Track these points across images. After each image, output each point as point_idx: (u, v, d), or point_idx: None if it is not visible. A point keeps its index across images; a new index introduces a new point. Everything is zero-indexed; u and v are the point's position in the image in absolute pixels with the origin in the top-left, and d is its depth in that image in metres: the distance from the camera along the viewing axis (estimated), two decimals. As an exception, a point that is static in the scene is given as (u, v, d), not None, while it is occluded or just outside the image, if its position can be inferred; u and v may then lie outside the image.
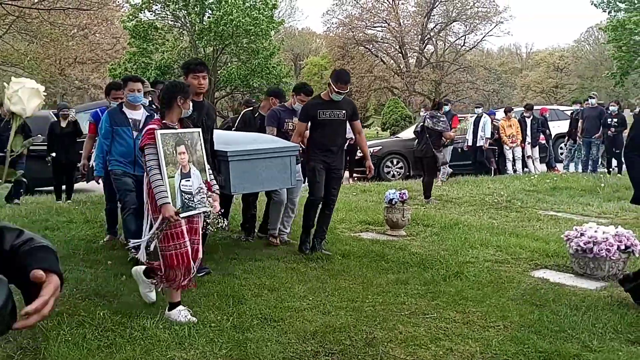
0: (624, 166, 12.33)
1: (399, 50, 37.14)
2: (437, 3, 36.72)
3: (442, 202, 8.67)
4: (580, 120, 12.62)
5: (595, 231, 4.80)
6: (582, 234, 4.83)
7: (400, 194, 6.36)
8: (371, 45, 37.17)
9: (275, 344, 3.36)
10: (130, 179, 5.17)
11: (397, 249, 5.58)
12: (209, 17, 28.55)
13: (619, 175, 11.49)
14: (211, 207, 3.82)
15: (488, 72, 41.28)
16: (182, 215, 3.68)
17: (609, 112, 12.20)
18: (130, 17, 28.24)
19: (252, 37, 28.54)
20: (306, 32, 56.44)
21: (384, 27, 37.42)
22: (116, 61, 30.18)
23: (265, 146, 5.17)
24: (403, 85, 36.26)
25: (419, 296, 4.21)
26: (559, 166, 13.76)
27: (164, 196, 3.61)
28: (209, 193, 3.89)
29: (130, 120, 5.29)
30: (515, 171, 12.65)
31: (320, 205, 5.50)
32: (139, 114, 5.37)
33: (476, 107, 13.72)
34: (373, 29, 37.76)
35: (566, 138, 13.84)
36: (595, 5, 29.17)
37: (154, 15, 30.04)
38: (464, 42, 38.46)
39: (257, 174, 5.04)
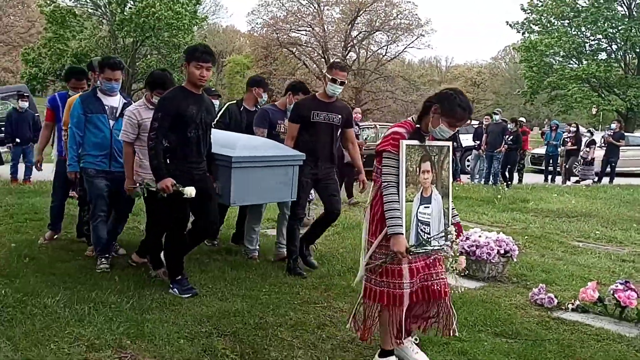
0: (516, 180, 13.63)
1: (322, 55, 37.71)
2: (362, 12, 37.58)
3: (354, 205, 9.01)
4: (485, 135, 13.53)
5: (479, 236, 5.26)
6: (467, 238, 5.27)
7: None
8: (295, 49, 37.53)
9: (172, 325, 3.57)
10: (104, 181, 4.65)
11: (299, 245, 5.82)
12: (130, 8, 27.82)
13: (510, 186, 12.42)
14: (451, 248, 3.15)
15: (408, 82, 42.71)
16: (415, 252, 3.03)
17: (508, 129, 13.22)
18: (48, 1, 27.01)
19: (173, 31, 28.14)
20: (230, 29, 56.03)
21: (308, 31, 37.87)
22: (30, 45, 28.73)
23: (271, 153, 4.59)
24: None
25: (312, 288, 4.50)
26: (463, 177, 14.56)
27: (397, 224, 2.92)
28: (451, 228, 3.18)
29: (106, 108, 4.74)
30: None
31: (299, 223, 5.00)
32: (116, 101, 4.82)
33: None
34: (297, 32, 38.12)
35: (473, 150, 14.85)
36: (510, 26, 31.12)
37: (73, 2, 28.86)
38: (386, 52, 39.64)
39: (260, 184, 4.52)
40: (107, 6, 28.35)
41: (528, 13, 30.59)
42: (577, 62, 29.53)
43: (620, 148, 15.34)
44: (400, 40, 38.51)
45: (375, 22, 38.01)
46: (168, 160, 4.00)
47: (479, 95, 53.31)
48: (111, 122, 4.71)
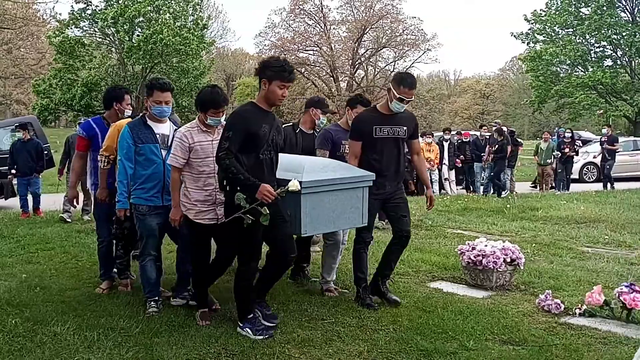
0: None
1: (331, 74, 38.03)
2: (368, 29, 37.88)
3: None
4: (488, 146, 13.55)
5: (485, 245, 5.28)
6: (473, 248, 5.30)
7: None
8: (303, 69, 37.85)
9: (181, 347, 3.63)
10: (156, 220, 4.27)
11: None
12: (138, 36, 28.34)
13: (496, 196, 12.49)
14: None
15: (417, 97, 42.82)
16: None
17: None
18: (57, 32, 27.62)
19: (182, 57, 28.57)
20: (239, 52, 56.69)
21: (316, 51, 38.18)
22: (41, 77, 29.30)
23: (341, 175, 4.18)
24: (334, 108, 37.09)
25: (320, 304, 4.54)
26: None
27: None
28: None
29: (157, 136, 4.32)
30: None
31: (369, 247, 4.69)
32: (167, 128, 4.40)
33: None
34: (305, 52, 38.45)
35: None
36: (515, 36, 31.24)
37: (82, 32, 29.47)
38: (394, 68, 39.85)
39: (331, 209, 4.11)
40: (115, 35, 28.90)
41: (532, 23, 30.73)
42: (583, 70, 29.53)
43: (630, 152, 15.25)
44: (408, 56, 38.80)
45: (381, 39, 38.27)
46: (232, 185, 3.65)
47: (488, 106, 53.30)
48: (163, 152, 4.29)
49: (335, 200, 4.13)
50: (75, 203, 5.36)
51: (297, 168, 3.99)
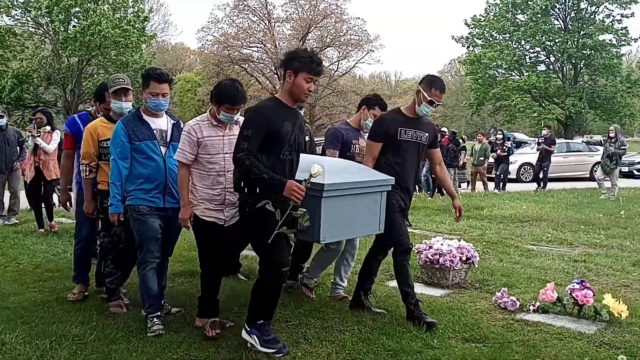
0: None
1: (275, 71, 37.82)
2: (312, 28, 37.91)
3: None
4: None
5: (442, 244, 5.38)
6: (430, 247, 5.39)
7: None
8: (247, 65, 37.48)
9: (141, 354, 3.46)
10: (158, 221, 3.89)
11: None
12: (74, 26, 27.21)
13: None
14: None
15: (360, 97, 43.08)
16: None
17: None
18: (-15, 20, 26.11)
19: (121, 49, 27.65)
20: (180, 47, 55.53)
21: (260, 47, 37.85)
22: (-33, 67, 27.57)
23: (361, 178, 3.92)
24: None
25: (283, 306, 4.44)
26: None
27: None
28: None
29: (155, 132, 3.97)
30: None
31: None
32: (164, 122, 4.03)
33: None
34: (249, 48, 38.05)
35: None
36: (455, 40, 32.13)
37: (13, 21, 27.99)
38: (337, 68, 40.09)
39: (351, 215, 3.85)
40: (50, 24, 27.63)
41: (471, 28, 31.66)
42: (518, 74, 30.73)
43: (563, 154, 15.96)
44: (351, 56, 39.06)
45: (326, 39, 38.38)
46: (253, 188, 3.32)
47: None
48: (162, 149, 3.94)
49: (355, 205, 3.83)
50: (68, 204, 4.87)
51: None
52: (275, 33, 37.91)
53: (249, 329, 3.47)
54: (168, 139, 3.99)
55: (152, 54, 34.60)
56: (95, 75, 29.19)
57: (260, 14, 37.92)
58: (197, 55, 46.58)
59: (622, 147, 12.64)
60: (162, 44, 50.04)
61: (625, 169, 20.21)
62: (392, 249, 4.29)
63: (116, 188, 3.88)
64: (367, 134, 4.42)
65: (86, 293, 4.60)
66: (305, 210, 3.27)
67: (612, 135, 12.87)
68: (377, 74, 63.16)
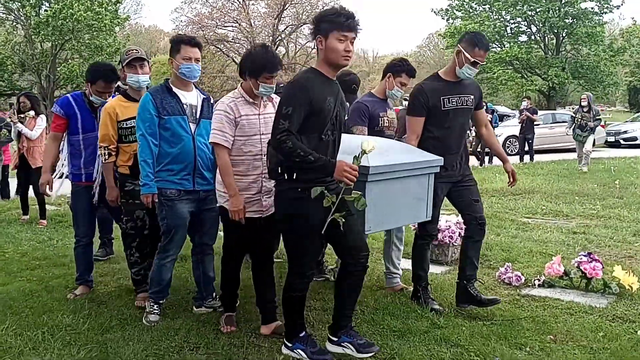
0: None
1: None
2: (287, 5, 37.35)
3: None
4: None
5: (439, 220, 5.24)
6: (428, 223, 5.24)
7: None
8: (222, 45, 36.88)
9: (137, 343, 3.29)
10: (188, 206, 3.57)
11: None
12: (46, 11, 26.42)
13: None
14: None
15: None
16: None
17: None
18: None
19: (94, 33, 26.97)
20: (153, 29, 54.46)
21: (235, 27, 37.30)
22: None
23: (407, 159, 3.46)
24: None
25: (280, 289, 4.26)
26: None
27: None
28: None
29: (185, 107, 3.58)
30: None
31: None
32: (194, 97, 3.63)
33: None
34: (224, 28, 37.47)
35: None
36: (435, 12, 31.81)
37: (-19, 7, 27.06)
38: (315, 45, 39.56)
39: (397, 201, 3.42)
40: (21, 9, 26.80)
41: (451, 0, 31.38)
42: (499, 46, 30.57)
43: (549, 125, 15.86)
44: (328, 33, 38.53)
45: (301, 15, 37.87)
46: (292, 173, 2.91)
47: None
48: (192, 127, 3.57)
49: (401, 189, 3.38)
50: (48, 190, 4.33)
51: (356, 150, 3.04)
52: (250, 11, 37.37)
53: (336, 339, 3.11)
54: (198, 115, 3.60)
55: (127, 36, 33.81)
56: (69, 60, 28.46)
57: (235, -8, 37.31)
58: (171, 37, 45.67)
59: (597, 118, 12.26)
60: (136, 26, 49.02)
61: (611, 139, 20.33)
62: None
63: (148, 166, 3.48)
64: (399, 106, 4.12)
65: (90, 290, 4.27)
66: (360, 192, 2.89)
67: (584, 104, 12.25)
68: (355, 50, 62.55)
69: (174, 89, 3.56)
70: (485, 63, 27.11)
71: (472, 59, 3.61)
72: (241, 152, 3.32)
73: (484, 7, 30.14)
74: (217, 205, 3.49)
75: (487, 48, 3.68)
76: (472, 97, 3.81)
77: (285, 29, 38.77)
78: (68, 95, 4.30)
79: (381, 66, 48.24)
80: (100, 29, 26.81)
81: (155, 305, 3.66)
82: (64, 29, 25.57)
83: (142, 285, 3.96)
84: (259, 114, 3.38)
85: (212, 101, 3.74)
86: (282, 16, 37.88)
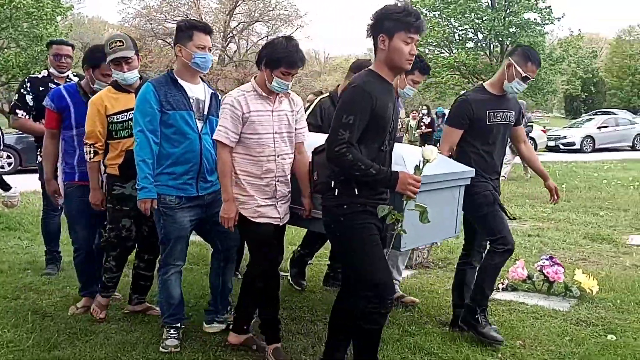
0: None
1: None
2: (240, 2, 36.96)
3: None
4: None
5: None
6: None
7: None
8: (171, 40, 35.99)
9: (89, 359, 3.02)
10: (189, 215, 3.18)
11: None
12: (-19, -5, 24.90)
13: None
14: None
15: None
16: None
17: None
18: None
19: (34, 22, 25.70)
20: (97, 20, 52.63)
21: (185, 22, 36.57)
22: None
23: (441, 169, 3.14)
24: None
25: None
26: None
27: None
28: None
29: (191, 101, 3.19)
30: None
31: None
32: (201, 91, 3.23)
33: None
34: (173, 22, 36.62)
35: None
36: (387, 17, 32.02)
37: None
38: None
39: (432, 215, 3.03)
40: (-48, -6, 25.22)
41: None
42: (448, 51, 31.17)
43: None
44: (280, 32, 38.29)
45: (254, 13, 37.61)
46: (347, 188, 2.59)
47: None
48: (199, 124, 3.17)
49: (436, 202, 3.05)
50: (58, 198, 3.89)
51: (395, 158, 2.86)
52: (201, 6, 36.74)
53: None
54: (206, 112, 3.19)
55: (69, 26, 32.46)
56: (5, 50, 27.01)
57: (185, -14, 36.57)
58: (117, 29, 44.33)
59: (528, 124, 12.68)
60: (78, 17, 47.19)
61: (552, 144, 21.09)
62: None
63: (147, 167, 3.05)
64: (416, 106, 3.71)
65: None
66: (425, 205, 2.60)
67: None
68: (307, 50, 62.63)
69: (180, 81, 3.13)
70: (434, 68, 27.89)
71: (524, 74, 3.42)
72: (252, 151, 2.98)
73: (434, 13, 30.61)
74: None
75: (540, 63, 3.50)
76: (513, 112, 3.61)
77: (237, 25, 38.32)
78: (60, 87, 3.85)
79: (332, 67, 48.45)
80: (40, 18, 25.52)
81: (172, 330, 3.23)
82: (1, 16, 24.27)
83: (108, 290, 3.62)
84: (272, 110, 3.02)
85: (219, 97, 3.36)
86: (234, 13, 37.45)
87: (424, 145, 2.90)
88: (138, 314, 3.70)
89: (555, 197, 3.85)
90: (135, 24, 35.96)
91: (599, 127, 22.04)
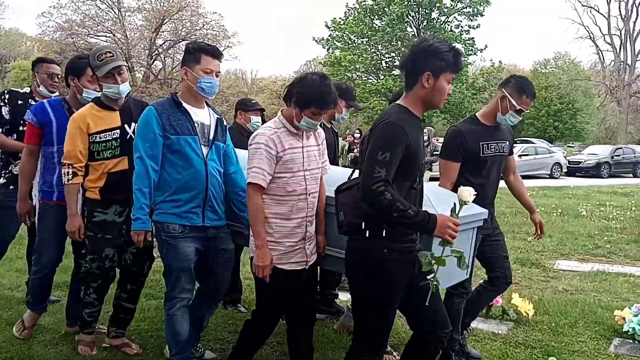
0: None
1: (126, 63, 35.58)
2: (167, 20, 36.41)
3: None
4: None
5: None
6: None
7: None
8: (95, 54, 34.86)
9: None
10: (193, 245, 2.97)
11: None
12: None
13: None
14: None
15: (218, 94, 42.26)
16: None
17: None
18: None
19: (-55, 30, 24.09)
20: (14, 32, 50.10)
21: (109, 37, 35.61)
22: None
23: (463, 211, 2.75)
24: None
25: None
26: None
27: None
28: None
29: (196, 125, 3.01)
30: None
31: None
32: (206, 115, 3.07)
33: None
34: (96, 37, 35.59)
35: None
36: (316, 41, 32.61)
37: None
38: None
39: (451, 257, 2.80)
40: None
41: (332, 30, 32.37)
42: (375, 78, 32.02)
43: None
44: (208, 51, 38.04)
45: (180, 32, 37.19)
46: (379, 229, 2.43)
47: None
48: (204, 150, 3.00)
49: (457, 243, 2.71)
50: (27, 219, 3.65)
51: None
52: (125, 23, 35.95)
53: None
54: (211, 137, 3.03)
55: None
56: None
57: (109, 2, 35.87)
58: (36, 42, 42.48)
59: (434, 153, 12.82)
60: (-6, 27, 44.75)
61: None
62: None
63: (143, 197, 2.88)
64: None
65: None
66: (462, 250, 2.44)
67: (425, 138, 12.22)
68: (233, 71, 62.39)
69: (184, 104, 2.98)
70: (362, 93, 28.49)
71: (518, 107, 3.35)
72: (284, 191, 2.80)
73: (362, 39, 31.46)
74: (232, 247, 3.13)
75: (534, 96, 3.41)
76: (507, 143, 3.53)
77: (163, 43, 37.65)
78: (44, 100, 3.59)
79: (260, 88, 48.60)
80: (-50, 26, 23.97)
81: None
82: None
83: (90, 326, 3.41)
84: (302, 147, 2.87)
85: (224, 122, 3.21)
86: (161, 30, 36.79)
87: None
88: (114, 349, 3.41)
89: (539, 232, 3.84)
90: (56, 38, 34.56)
91: (519, 155, 23.18)
